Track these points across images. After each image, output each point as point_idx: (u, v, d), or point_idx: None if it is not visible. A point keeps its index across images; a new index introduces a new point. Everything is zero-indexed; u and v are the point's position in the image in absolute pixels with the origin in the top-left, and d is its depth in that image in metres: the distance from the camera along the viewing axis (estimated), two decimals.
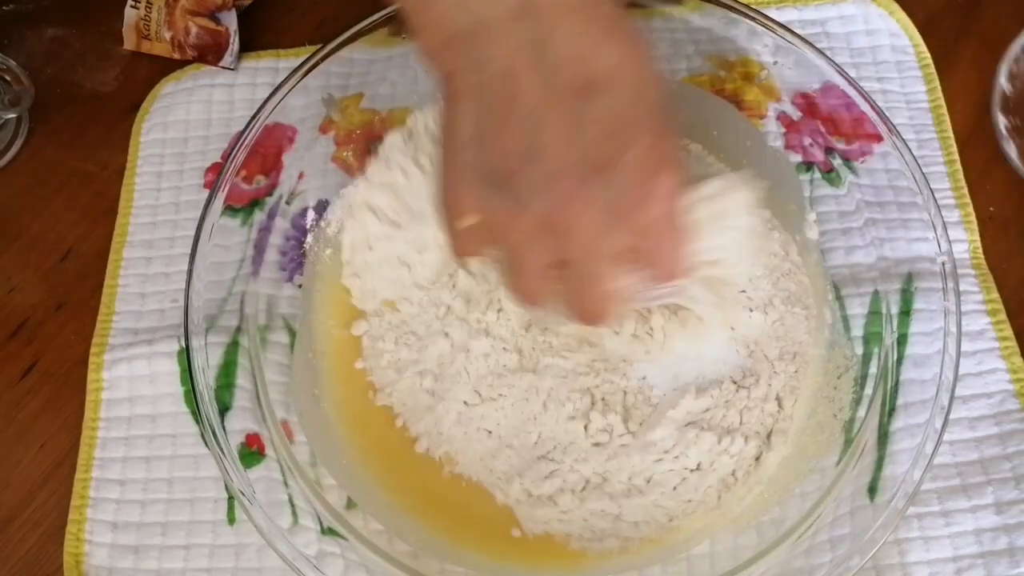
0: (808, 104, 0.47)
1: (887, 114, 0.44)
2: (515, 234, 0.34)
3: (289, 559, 0.38)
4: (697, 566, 0.40)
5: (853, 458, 0.40)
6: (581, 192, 0.32)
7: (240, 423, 0.41)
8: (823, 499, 0.40)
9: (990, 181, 0.50)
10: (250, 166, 0.45)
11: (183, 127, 0.54)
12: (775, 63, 0.47)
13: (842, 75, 0.44)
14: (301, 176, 0.47)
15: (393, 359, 0.45)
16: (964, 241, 0.47)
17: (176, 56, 0.56)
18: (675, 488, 0.41)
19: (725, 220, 0.37)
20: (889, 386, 0.41)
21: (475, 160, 0.34)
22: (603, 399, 0.42)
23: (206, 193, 0.47)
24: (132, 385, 0.47)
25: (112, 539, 0.44)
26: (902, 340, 0.42)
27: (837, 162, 0.46)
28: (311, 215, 0.48)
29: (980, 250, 0.47)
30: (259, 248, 0.45)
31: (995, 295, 0.46)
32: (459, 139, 0.34)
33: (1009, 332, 0.45)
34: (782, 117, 0.48)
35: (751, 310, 0.44)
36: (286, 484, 0.41)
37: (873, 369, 0.42)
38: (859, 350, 0.43)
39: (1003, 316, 0.46)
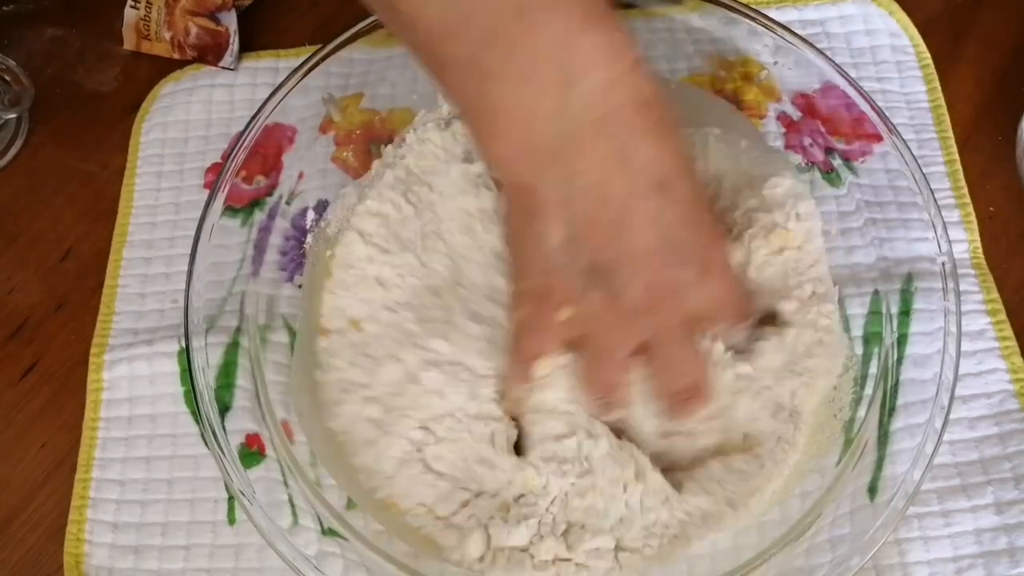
0: (808, 104, 0.47)
1: (887, 114, 0.44)
2: (608, 317, 0.37)
3: (289, 559, 0.38)
4: (697, 566, 0.40)
5: (853, 458, 0.40)
6: (667, 267, 0.37)
7: (240, 423, 0.41)
8: (823, 499, 0.40)
9: (990, 181, 0.50)
10: (250, 166, 0.45)
11: (183, 127, 0.54)
12: (775, 63, 0.47)
13: (842, 75, 0.44)
14: (301, 176, 0.47)
15: (340, 378, 0.43)
16: (964, 241, 0.47)
17: (176, 56, 0.56)
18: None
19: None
20: (889, 386, 0.41)
21: (569, 261, 0.37)
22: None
23: (206, 193, 0.47)
24: (132, 385, 0.47)
25: (112, 539, 0.44)
26: (902, 340, 0.42)
27: (837, 162, 0.46)
28: (311, 215, 0.48)
29: (980, 250, 0.47)
30: (259, 248, 0.45)
31: (995, 295, 0.46)
32: (546, 246, 0.37)
33: (1009, 332, 0.45)
34: (782, 117, 0.48)
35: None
36: (286, 484, 0.41)
37: (873, 369, 0.42)
38: (859, 350, 0.43)
39: (1003, 316, 0.46)
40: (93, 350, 0.48)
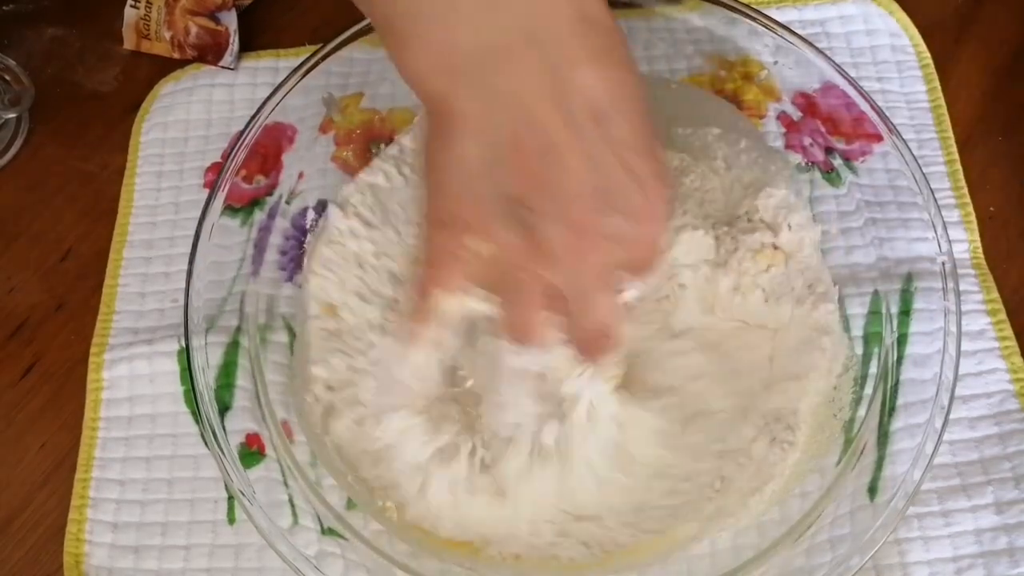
0: (808, 104, 0.47)
1: (887, 114, 0.44)
2: (524, 260, 0.34)
3: (289, 559, 0.38)
4: (697, 566, 0.40)
5: (853, 458, 0.40)
6: (595, 213, 0.33)
7: (240, 423, 0.41)
8: (823, 499, 0.40)
9: (990, 181, 0.50)
10: (250, 166, 0.45)
11: (183, 127, 0.54)
12: (775, 63, 0.47)
13: (842, 75, 0.44)
14: (301, 176, 0.47)
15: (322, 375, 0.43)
16: (964, 241, 0.47)
17: (176, 56, 0.56)
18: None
19: None
20: (889, 386, 0.41)
21: (488, 190, 0.33)
22: None
23: (206, 193, 0.47)
24: (132, 385, 0.47)
25: (112, 539, 0.44)
26: (902, 340, 0.42)
27: (837, 162, 0.46)
28: (311, 215, 0.48)
29: (980, 250, 0.47)
30: (259, 248, 0.45)
31: (995, 295, 0.46)
32: (465, 165, 0.33)
33: (1009, 332, 0.45)
34: (782, 117, 0.48)
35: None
36: (286, 484, 0.41)
37: (873, 369, 0.42)
38: (859, 350, 0.43)
39: (1003, 316, 0.46)
40: (93, 349, 0.48)
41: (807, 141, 0.47)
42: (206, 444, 0.40)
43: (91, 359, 0.48)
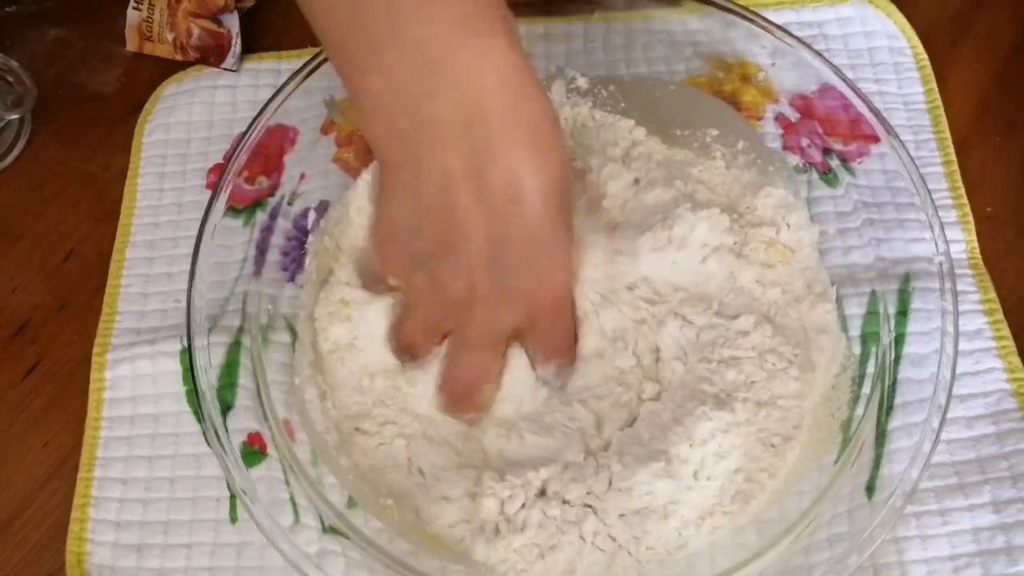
0: (806, 105, 0.47)
1: (885, 115, 0.44)
2: (424, 300, 0.41)
3: (291, 558, 0.38)
4: (696, 565, 0.40)
5: (851, 457, 0.40)
6: (489, 283, 0.38)
7: (242, 422, 0.41)
8: (821, 498, 0.40)
9: (987, 181, 0.50)
10: (252, 167, 0.45)
11: (185, 128, 0.54)
12: (773, 65, 0.47)
13: (840, 77, 0.45)
14: (303, 177, 0.47)
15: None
16: (961, 241, 0.48)
17: (178, 58, 0.56)
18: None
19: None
20: (886, 385, 0.41)
21: (407, 241, 0.39)
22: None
23: (208, 194, 0.48)
24: (135, 384, 0.47)
25: (115, 538, 0.44)
26: (899, 340, 0.42)
27: (835, 163, 0.46)
28: (312, 216, 0.48)
29: (977, 250, 0.48)
30: (261, 248, 0.46)
31: (992, 295, 0.46)
32: (395, 220, 0.39)
33: (1006, 332, 0.45)
34: (780, 118, 0.48)
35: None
36: (288, 483, 0.41)
37: (871, 368, 0.42)
38: (857, 350, 0.43)
39: (1000, 316, 0.46)
40: (96, 349, 0.48)
41: (805, 142, 0.47)
42: (208, 443, 0.40)
43: (94, 359, 0.48)
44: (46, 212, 0.53)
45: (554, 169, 0.37)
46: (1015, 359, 0.45)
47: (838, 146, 0.46)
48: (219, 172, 0.50)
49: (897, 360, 0.41)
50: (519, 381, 0.42)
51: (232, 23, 0.55)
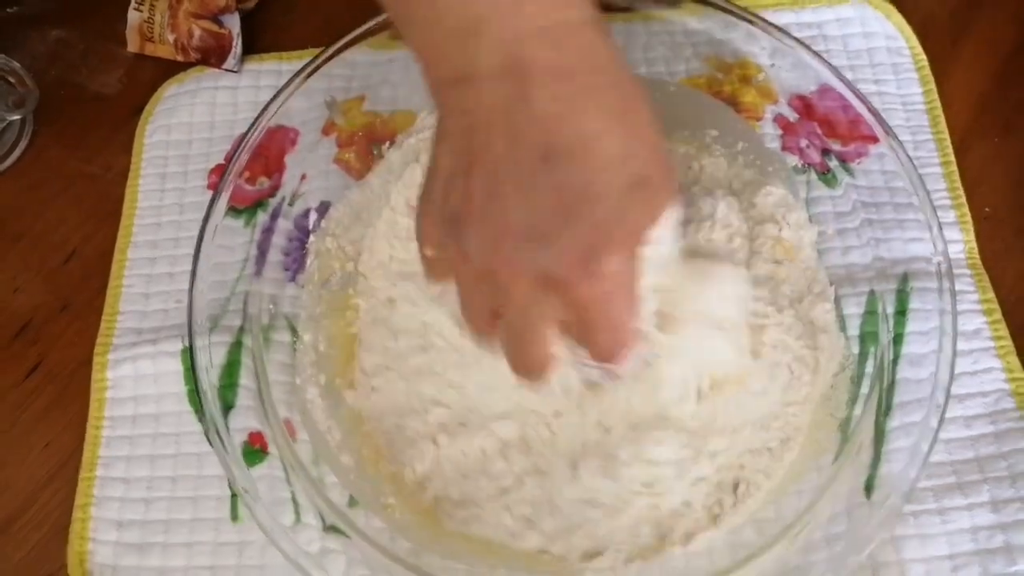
0: (805, 106, 0.47)
1: (883, 116, 0.44)
2: (462, 276, 0.36)
3: (292, 556, 0.38)
4: (695, 564, 0.40)
5: (849, 456, 0.40)
6: (517, 257, 0.33)
7: (243, 422, 0.42)
8: (820, 497, 0.40)
9: (986, 182, 0.50)
10: (253, 168, 0.45)
11: (186, 129, 0.54)
12: (772, 65, 0.47)
13: (838, 77, 0.45)
14: (303, 177, 0.48)
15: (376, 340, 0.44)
16: (960, 241, 0.48)
17: (179, 58, 0.57)
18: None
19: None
20: (885, 385, 0.41)
21: (440, 199, 0.35)
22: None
23: (209, 194, 0.48)
24: (136, 384, 0.47)
25: (116, 537, 0.44)
26: (898, 339, 0.42)
27: (833, 163, 0.46)
28: (313, 216, 0.48)
29: (976, 250, 0.48)
30: (262, 249, 0.46)
31: (991, 295, 0.46)
32: (436, 175, 0.35)
33: (1004, 331, 0.45)
34: (779, 119, 0.48)
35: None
36: (289, 482, 0.41)
37: (869, 368, 0.42)
38: (855, 349, 0.43)
39: (999, 316, 0.46)
40: (97, 349, 0.48)
41: (804, 143, 0.47)
42: (209, 442, 0.40)
43: (95, 359, 0.48)
44: (47, 213, 0.53)
45: (607, 131, 0.32)
46: (1013, 359, 0.45)
47: (837, 146, 0.46)
48: (220, 173, 0.50)
49: (895, 360, 0.41)
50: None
51: (233, 24, 0.56)
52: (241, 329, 0.44)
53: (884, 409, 0.40)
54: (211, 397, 0.41)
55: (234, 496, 0.44)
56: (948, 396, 0.39)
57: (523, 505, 0.41)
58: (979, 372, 0.45)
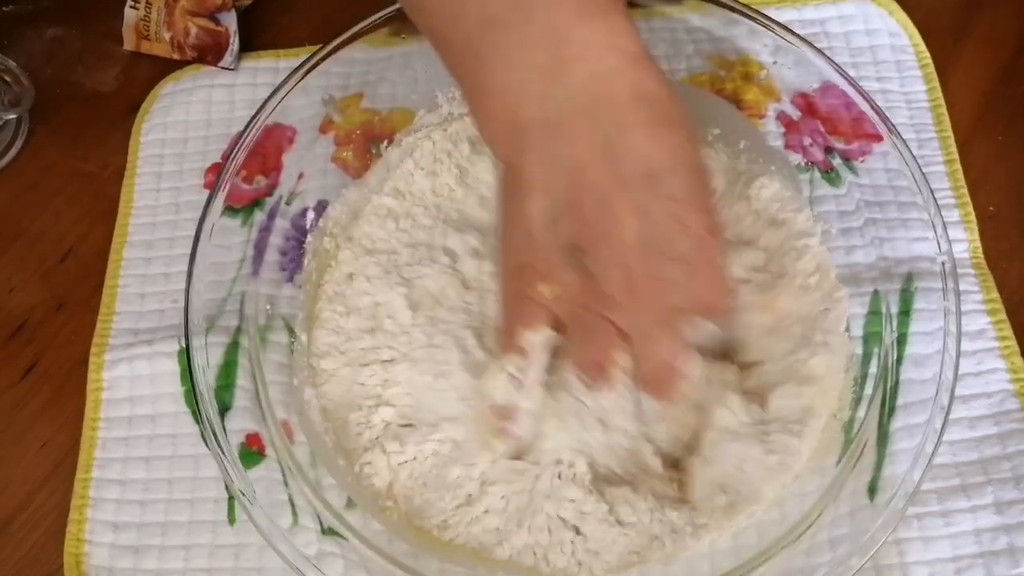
0: (808, 104, 0.47)
1: (887, 114, 0.44)
2: (586, 299, 0.37)
3: (289, 559, 0.38)
4: (697, 566, 0.40)
5: (853, 458, 0.40)
6: (648, 262, 0.36)
7: (240, 423, 0.41)
8: (823, 499, 0.40)
9: (990, 181, 0.50)
10: (250, 166, 0.45)
11: (183, 127, 0.54)
12: (775, 63, 0.47)
13: (842, 75, 0.44)
14: (301, 176, 0.47)
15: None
16: (964, 241, 0.47)
17: (176, 56, 0.56)
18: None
19: None
20: (889, 386, 0.41)
21: (550, 238, 0.37)
22: None
23: (206, 193, 0.47)
24: (132, 385, 0.47)
25: (112, 539, 0.44)
26: (902, 340, 0.41)
27: (837, 162, 0.46)
28: (311, 215, 0.48)
29: (980, 250, 0.47)
30: (259, 248, 0.45)
31: (995, 295, 0.46)
32: (531, 220, 0.37)
33: (1009, 332, 0.45)
34: (782, 117, 0.48)
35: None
36: (286, 484, 0.41)
37: (873, 369, 0.42)
38: (859, 350, 0.43)
39: (1003, 316, 0.46)
40: (93, 350, 0.48)
41: (807, 141, 0.47)
42: (206, 444, 0.40)
43: (91, 359, 0.48)
44: (44, 211, 0.53)
45: (682, 146, 0.36)
46: (1018, 359, 0.45)
47: (840, 145, 0.46)
48: (217, 171, 0.50)
49: (899, 360, 0.41)
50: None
51: (230, 21, 0.55)
52: (238, 329, 0.43)
53: (888, 410, 0.40)
54: (208, 398, 0.40)
55: (231, 498, 0.44)
56: (952, 397, 0.38)
57: (493, 516, 0.41)
58: (983, 373, 0.44)
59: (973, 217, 0.48)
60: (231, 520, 0.44)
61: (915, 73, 0.52)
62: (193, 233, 0.43)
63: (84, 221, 0.53)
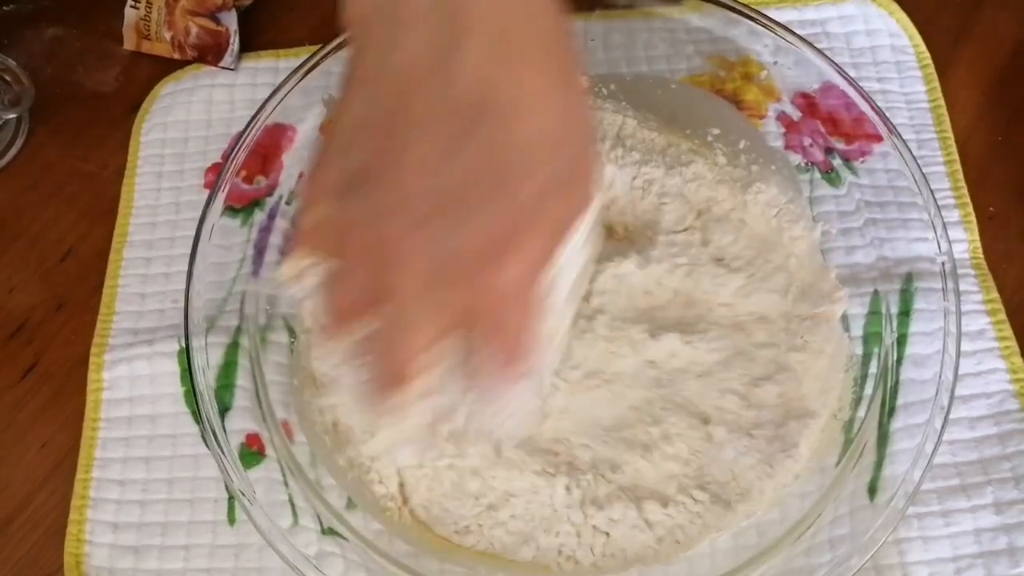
0: (808, 104, 0.47)
1: (887, 114, 0.44)
2: (347, 244, 0.30)
3: (289, 559, 0.38)
4: (697, 566, 0.40)
5: (853, 458, 0.40)
6: (424, 228, 0.28)
7: (240, 423, 0.41)
8: (823, 499, 0.40)
9: (990, 181, 0.50)
10: (250, 166, 0.45)
11: (183, 127, 0.54)
12: (775, 63, 0.47)
13: (842, 75, 0.44)
14: (301, 176, 0.47)
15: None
16: (964, 241, 0.47)
17: (176, 56, 0.56)
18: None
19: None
20: (889, 386, 0.41)
21: (346, 150, 0.30)
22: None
23: (206, 193, 0.47)
24: (132, 385, 0.47)
25: (112, 539, 0.44)
26: (902, 340, 0.42)
27: (837, 162, 0.46)
28: None
29: (980, 250, 0.47)
30: (259, 248, 0.45)
31: (995, 295, 0.46)
32: (342, 124, 0.30)
33: (1009, 332, 0.45)
34: (782, 117, 0.48)
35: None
36: (286, 484, 0.41)
37: (873, 369, 0.42)
38: (859, 350, 0.43)
39: (1003, 316, 0.46)
40: (93, 350, 0.48)
41: (807, 141, 0.47)
42: (206, 444, 0.40)
43: (91, 359, 0.48)
44: (44, 211, 0.53)
45: (542, 92, 0.28)
46: (1018, 360, 0.45)
47: (840, 145, 0.46)
48: (217, 171, 0.50)
49: (899, 361, 0.41)
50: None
51: (230, 21, 0.55)
52: (238, 330, 0.43)
53: (888, 410, 0.40)
54: (208, 398, 0.40)
55: (231, 498, 0.44)
56: (952, 397, 0.38)
57: (515, 521, 0.41)
58: (983, 373, 0.44)
59: (973, 217, 0.48)
60: (231, 520, 0.44)
61: (915, 73, 0.52)
62: (193, 233, 0.43)
63: (84, 221, 0.53)
